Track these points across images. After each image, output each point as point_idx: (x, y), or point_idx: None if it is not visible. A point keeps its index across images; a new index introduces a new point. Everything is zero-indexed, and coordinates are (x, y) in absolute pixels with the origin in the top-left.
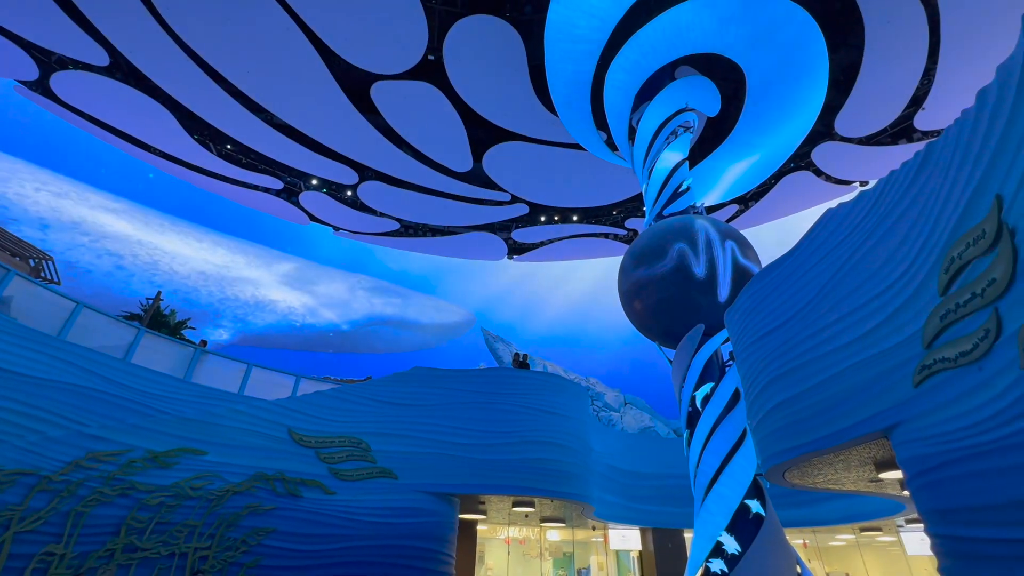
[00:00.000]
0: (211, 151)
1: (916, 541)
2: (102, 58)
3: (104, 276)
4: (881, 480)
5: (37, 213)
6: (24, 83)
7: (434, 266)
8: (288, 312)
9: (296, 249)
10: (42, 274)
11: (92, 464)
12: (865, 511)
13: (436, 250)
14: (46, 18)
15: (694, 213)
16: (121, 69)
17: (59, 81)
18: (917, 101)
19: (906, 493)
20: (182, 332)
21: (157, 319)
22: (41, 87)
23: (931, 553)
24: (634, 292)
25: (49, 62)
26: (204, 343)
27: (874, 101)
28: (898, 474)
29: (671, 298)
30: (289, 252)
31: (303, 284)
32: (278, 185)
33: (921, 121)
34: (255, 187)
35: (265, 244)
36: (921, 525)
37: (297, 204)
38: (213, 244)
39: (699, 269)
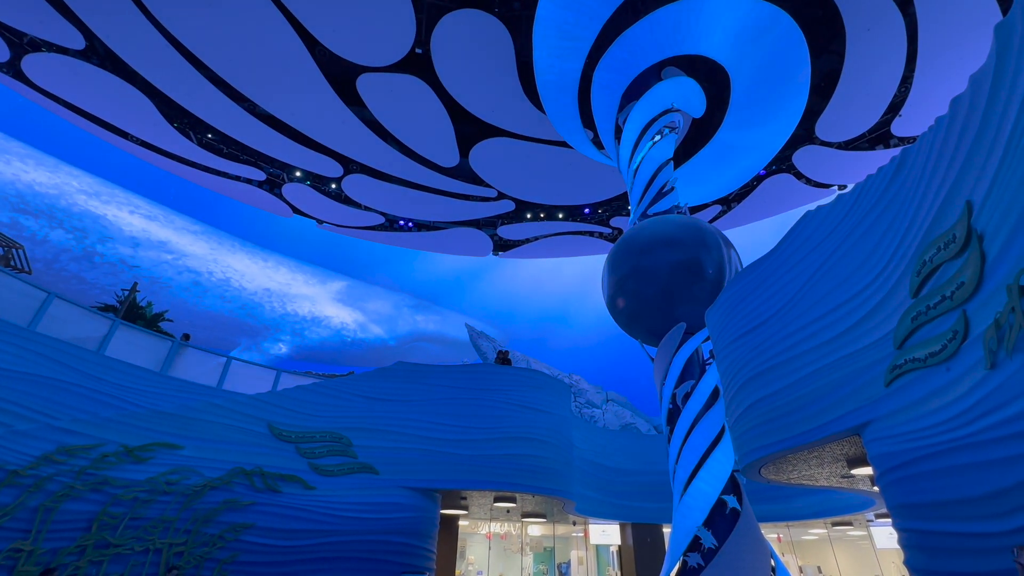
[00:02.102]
0: (191, 140)
1: (885, 535)
2: (77, 41)
3: (182, 291)
4: (853, 476)
5: (131, 233)
6: None
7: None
8: (341, 327)
9: (344, 268)
10: (12, 263)
11: (63, 458)
12: (837, 506)
13: (421, 245)
14: None
15: (678, 213)
16: (97, 53)
17: (31, 64)
18: (895, 108)
19: (876, 489)
20: (159, 325)
21: (133, 311)
22: (12, 69)
23: (899, 547)
24: (645, 277)
25: (21, 43)
26: (187, 336)
27: (854, 107)
28: (869, 470)
29: (679, 288)
30: (338, 271)
31: (354, 301)
32: (260, 176)
33: (898, 127)
34: (237, 178)
35: (318, 263)
36: (890, 520)
37: (280, 196)
38: (276, 263)
39: (711, 269)
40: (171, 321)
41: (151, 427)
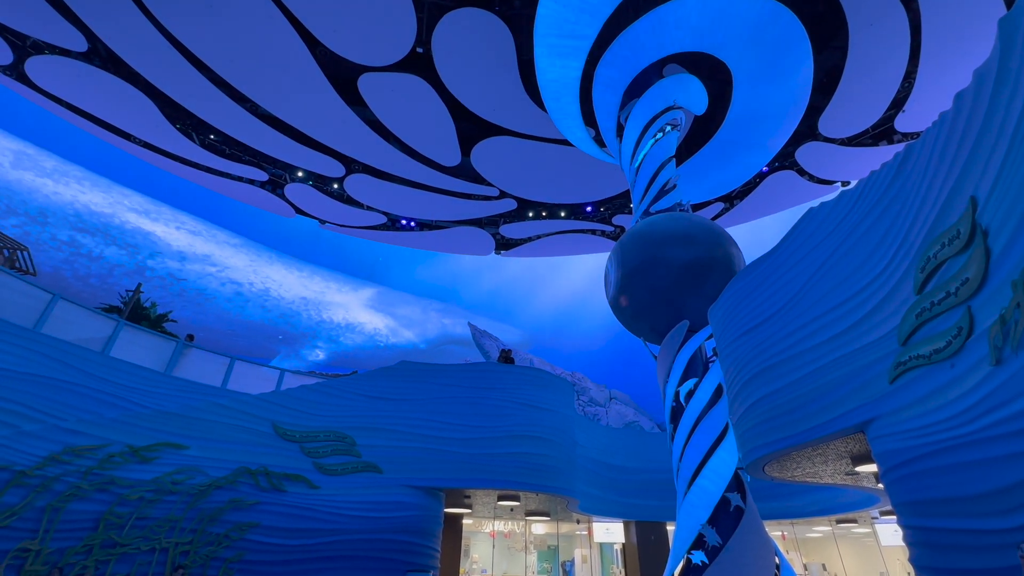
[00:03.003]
0: (193, 141)
1: (890, 532)
2: (80, 43)
3: (225, 301)
4: (857, 473)
5: (177, 247)
6: None
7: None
8: (374, 333)
9: (373, 275)
10: (16, 264)
11: (69, 459)
12: (841, 504)
13: (423, 244)
14: (22, 1)
15: (680, 210)
16: (100, 55)
17: (34, 66)
18: (898, 103)
19: (881, 486)
20: (163, 325)
21: (137, 312)
22: (15, 72)
23: (904, 544)
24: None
25: (24, 46)
26: (191, 337)
27: (857, 103)
28: (873, 468)
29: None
30: (367, 278)
31: (384, 307)
32: (263, 177)
33: (902, 123)
34: (239, 178)
35: (348, 272)
36: (895, 517)
37: (282, 196)
38: (311, 273)
39: (723, 268)
40: (175, 322)
41: (156, 427)
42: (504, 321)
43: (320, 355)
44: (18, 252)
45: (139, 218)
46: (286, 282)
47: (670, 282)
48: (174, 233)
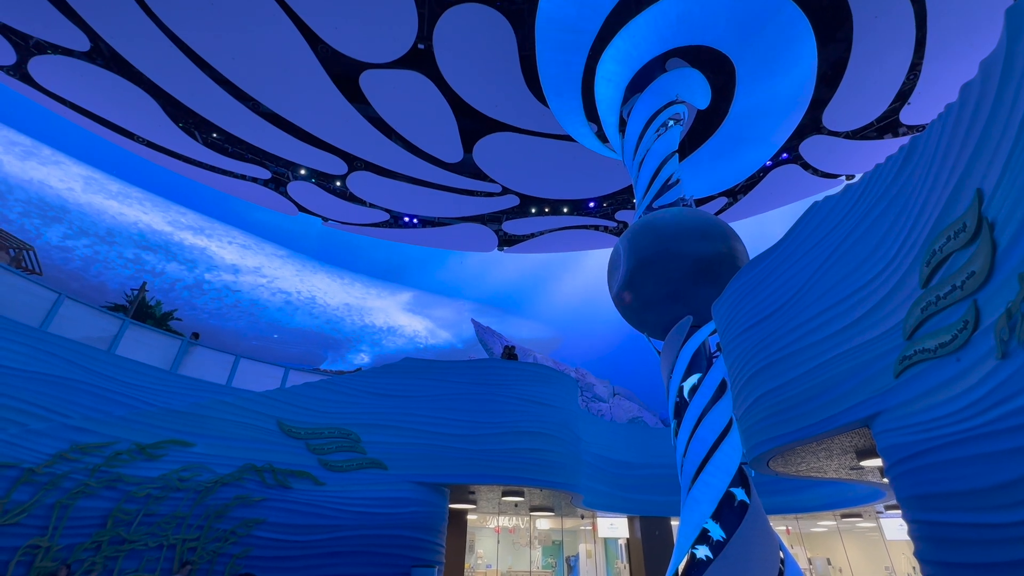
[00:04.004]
0: (196, 139)
1: (895, 527)
2: (82, 43)
3: (276, 310)
4: (862, 468)
5: (231, 261)
6: (1, 68)
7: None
8: (414, 335)
9: (407, 279)
10: (23, 264)
11: (76, 456)
12: (846, 498)
13: (426, 241)
14: (24, 1)
15: (684, 205)
16: (102, 55)
17: (37, 66)
18: (903, 96)
19: (886, 480)
20: (168, 324)
21: (142, 310)
22: (19, 72)
23: (909, 538)
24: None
25: (27, 46)
26: (196, 335)
27: (861, 95)
28: (878, 462)
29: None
30: (403, 283)
31: (421, 309)
32: (266, 175)
33: (907, 116)
34: (242, 177)
35: (385, 277)
36: (900, 511)
37: (285, 194)
38: (351, 280)
39: (734, 263)
40: (180, 320)
41: (162, 425)
42: (530, 318)
43: (365, 359)
44: (24, 252)
45: (195, 235)
46: (330, 290)
47: (686, 272)
48: (226, 247)
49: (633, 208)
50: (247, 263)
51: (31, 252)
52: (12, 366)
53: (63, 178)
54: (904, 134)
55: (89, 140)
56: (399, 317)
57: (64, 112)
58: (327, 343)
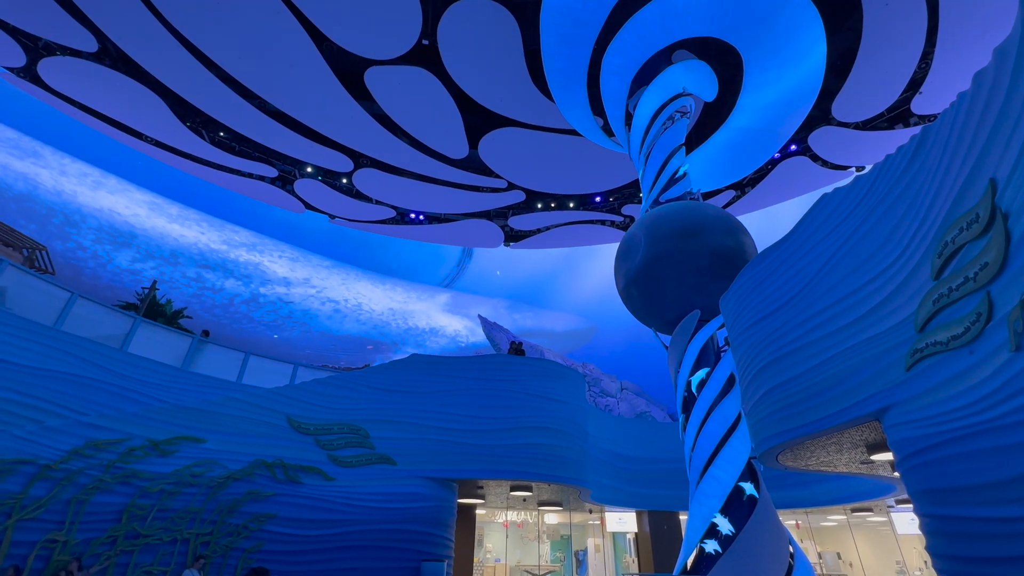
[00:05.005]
0: (204, 139)
1: (906, 521)
2: (90, 44)
3: (326, 319)
4: (872, 462)
5: (282, 275)
6: (11, 70)
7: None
8: (455, 335)
9: (441, 281)
10: (36, 264)
11: (92, 452)
12: (856, 492)
13: (433, 238)
14: (32, 2)
15: (691, 198)
16: (110, 55)
17: (46, 67)
18: (915, 85)
19: (897, 474)
20: (179, 322)
21: (153, 309)
22: (29, 74)
23: (920, 533)
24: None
25: (36, 48)
26: (206, 333)
27: (871, 85)
28: (889, 456)
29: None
30: (438, 284)
31: (459, 309)
32: (272, 173)
33: (918, 105)
34: (249, 175)
35: (421, 280)
36: (911, 505)
37: (292, 192)
38: (392, 285)
39: (746, 257)
40: (190, 318)
41: (175, 421)
42: (564, 310)
43: None
44: (37, 252)
45: (249, 252)
46: (374, 296)
47: (705, 264)
48: (277, 262)
49: (640, 202)
50: (297, 275)
51: (44, 252)
52: (30, 364)
53: (128, 204)
54: (915, 124)
55: (150, 166)
56: (439, 318)
57: (74, 113)
58: (377, 347)
